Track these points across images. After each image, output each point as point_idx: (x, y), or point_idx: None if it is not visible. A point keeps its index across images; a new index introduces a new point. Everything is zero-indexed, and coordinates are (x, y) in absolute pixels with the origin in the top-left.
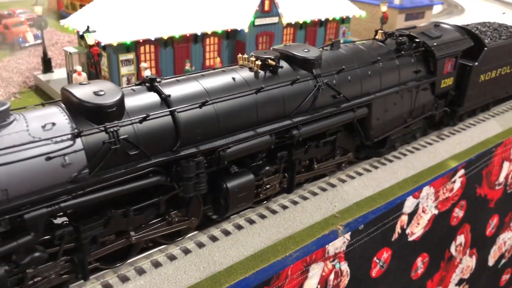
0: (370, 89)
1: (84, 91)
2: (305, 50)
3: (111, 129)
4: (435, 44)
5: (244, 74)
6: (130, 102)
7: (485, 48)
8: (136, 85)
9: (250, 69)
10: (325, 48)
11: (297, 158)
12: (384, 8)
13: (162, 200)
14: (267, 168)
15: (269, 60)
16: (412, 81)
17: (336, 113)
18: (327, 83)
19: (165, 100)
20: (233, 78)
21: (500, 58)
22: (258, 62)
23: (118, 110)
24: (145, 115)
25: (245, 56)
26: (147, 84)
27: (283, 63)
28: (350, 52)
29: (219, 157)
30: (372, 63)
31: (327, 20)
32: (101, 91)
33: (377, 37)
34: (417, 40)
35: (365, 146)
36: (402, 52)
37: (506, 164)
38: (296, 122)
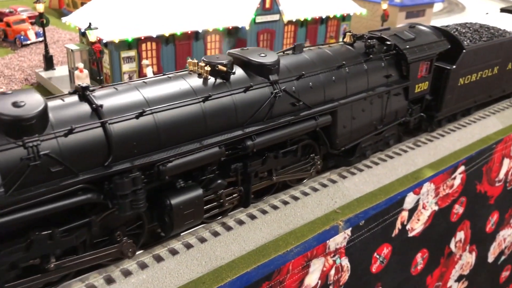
0: (334, 96)
1: (2, 102)
2: (262, 55)
3: (30, 144)
4: (407, 47)
5: (191, 81)
6: (56, 114)
7: (464, 51)
8: (69, 94)
9: (199, 75)
10: (286, 52)
11: (253, 170)
12: (384, 6)
13: (94, 220)
14: (219, 181)
15: (219, 65)
16: (382, 86)
17: (296, 122)
18: (285, 89)
19: (96, 111)
20: (179, 86)
21: (480, 60)
22: (208, 68)
23: (39, 122)
24: (70, 128)
25: (195, 61)
26: (79, 93)
27: (236, 69)
28: (313, 57)
29: (159, 172)
30: (337, 68)
31: (328, 17)
32: (22, 102)
33: (345, 40)
34: (388, 42)
35: (334, 154)
36: (371, 56)
37: (506, 161)
38: (249, 132)
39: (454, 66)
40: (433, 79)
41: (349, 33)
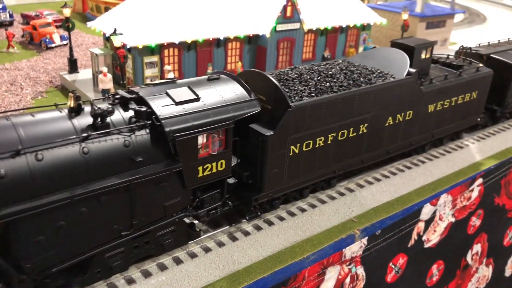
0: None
1: None
2: None
3: None
4: (174, 114)
5: None
6: None
7: (289, 109)
8: None
9: None
10: None
11: None
12: (405, 16)
13: None
14: None
15: None
16: (120, 176)
17: None
18: None
19: None
20: None
21: (330, 118)
22: None
23: None
24: None
25: None
26: None
27: None
28: None
29: None
30: (12, 156)
31: (348, 27)
32: None
33: (69, 103)
34: (143, 108)
35: (61, 271)
36: (89, 133)
37: None
38: None
39: (271, 132)
40: (252, 148)
41: (72, 94)
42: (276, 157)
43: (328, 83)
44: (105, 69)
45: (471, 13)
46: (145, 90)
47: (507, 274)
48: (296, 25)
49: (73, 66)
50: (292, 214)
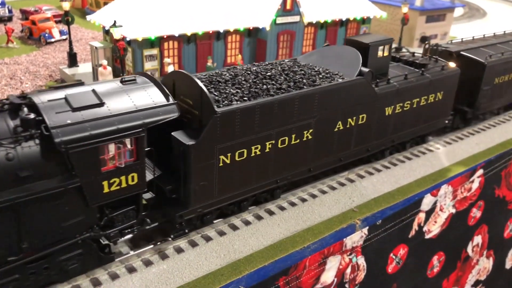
0: None
1: None
2: None
3: None
4: (68, 122)
5: None
6: None
7: (214, 115)
8: None
9: None
10: None
11: None
12: (405, 9)
13: None
14: None
15: None
16: (1, 194)
17: None
18: None
19: None
20: None
21: (266, 124)
22: None
23: None
24: None
25: None
26: None
27: None
28: None
29: None
30: None
31: (348, 20)
32: None
33: None
34: (29, 116)
35: None
36: None
37: None
38: None
39: (194, 141)
40: (175, 159)
41: None
42: (203, 168)
43: (265, 86)
44: (105, 62)
45: (471, 7)
46: (41, 95)
47: (507, 266)
48: (296, 18)
49: (72, 60)
50: (292, 204)
